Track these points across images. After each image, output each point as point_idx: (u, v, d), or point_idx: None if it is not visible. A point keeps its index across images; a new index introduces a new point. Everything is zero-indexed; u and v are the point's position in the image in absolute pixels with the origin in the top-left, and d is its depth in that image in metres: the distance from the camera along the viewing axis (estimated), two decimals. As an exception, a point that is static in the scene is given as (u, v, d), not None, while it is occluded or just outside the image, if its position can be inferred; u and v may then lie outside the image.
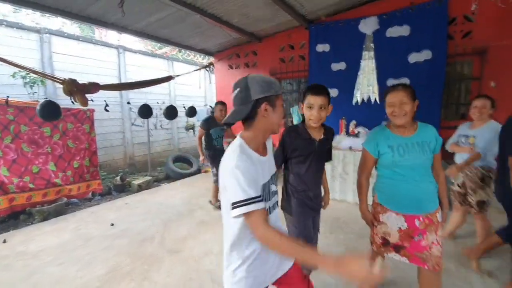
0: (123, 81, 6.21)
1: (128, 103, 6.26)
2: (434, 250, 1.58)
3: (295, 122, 5.54)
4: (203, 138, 3.98)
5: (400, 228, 1.64)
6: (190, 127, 7.82)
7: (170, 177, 6.17)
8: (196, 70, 4.74)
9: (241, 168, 1.00)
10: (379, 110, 3.76)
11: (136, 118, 6.61)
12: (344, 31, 4.66)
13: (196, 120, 8.15)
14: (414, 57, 4.15)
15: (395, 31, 4.25)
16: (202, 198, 4.53)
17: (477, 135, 2.54)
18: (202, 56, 8.07)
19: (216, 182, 3.94)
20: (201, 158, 4.04)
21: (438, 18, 3.93)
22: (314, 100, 1.69)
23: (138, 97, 6.38)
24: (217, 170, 3.88)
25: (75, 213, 4.02)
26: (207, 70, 4.94)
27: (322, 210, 2.00)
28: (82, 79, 3.43)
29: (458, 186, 2.68)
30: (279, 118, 1.15)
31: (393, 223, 1.66)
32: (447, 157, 3.31)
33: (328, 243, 2.89)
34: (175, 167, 6.33)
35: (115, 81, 6.13)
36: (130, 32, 4.65)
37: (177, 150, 7.71)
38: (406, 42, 4.18)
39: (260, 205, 0.99)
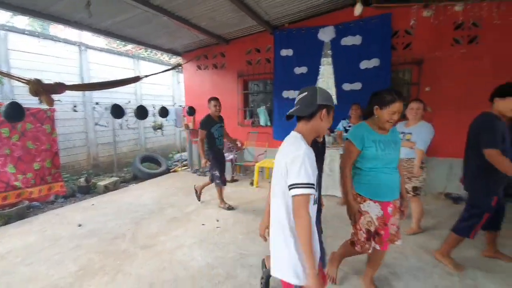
0: (85, 79, 6.02)
1: (97, 103, 6.09)
2: (391, 230, 1.92)
3: (261, 123, 5.86)
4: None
5: (377, 216, 1.88)
6: (158, 127, 7.76)
7: (138, 178, 6.12)
8: (165, 71, 4.79)
9: (309, 156, 1.23)
10: (337, 111, 4.20)
11: (100, 118, 6.44)
12: (305, 38, 5.06)
13: (165, 120, 8.13)
14: (364, 64, 4.66)
15: (349, 40, 4.73)
16: (172, 197, 4.63)
17: (413, 132, 3.01)
18: (169, 56, 8.03)
19: (220, 184, 3.91)
20: (203, 161, 3.82)
21: (383, 30, 4.48)
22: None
23: (103, 96, 6.22)
24: (220, 172, 3.84)
25: (38, 216, 3.89)
26: (176, 71, 4.99)
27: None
28: (41, 77, 3.35)
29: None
30: (328, 124, 1.38)
31: (373, 211, 1.88)
32: None
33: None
34: (142, 167, 6.29)
35: (76, 79, 5.92)
36: (94, 31, 4.59)
37: (144, 150, 7.61)
38: (358, 50, 4.68)
39: (312, 191, 1.21)
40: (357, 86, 4.75)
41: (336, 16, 4.82)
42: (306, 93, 1.37)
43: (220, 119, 3.97)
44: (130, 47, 7.60)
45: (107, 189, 5.13)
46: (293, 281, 1.28)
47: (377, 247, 1.89)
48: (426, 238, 3.00)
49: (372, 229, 1.89)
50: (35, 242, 3.08)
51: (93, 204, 4.34)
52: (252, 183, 5.23)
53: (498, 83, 4.09)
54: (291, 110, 1.38)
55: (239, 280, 2.33)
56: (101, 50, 6.59)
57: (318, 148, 1.87)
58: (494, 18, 3.88)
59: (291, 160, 1.23)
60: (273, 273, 1.36)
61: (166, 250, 2.84)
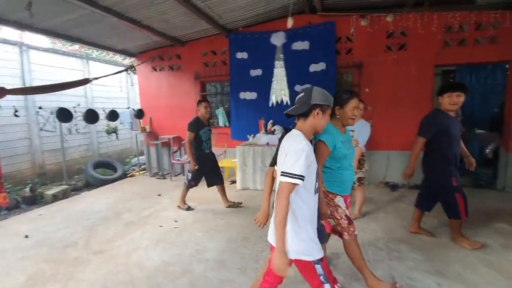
0: (27, 82, 5.58)
1: (40, 107, 5.67)
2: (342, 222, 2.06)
3: (220, 124, 5.98)
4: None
5: (343, 209, 2.06)
6: (112, 131, 7.44)
7: (91, 185, 5.83)
8: (116, 73, 4.65)
9: (306, 151, 1.35)
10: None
11: (45, 123, 6.00)
12: (259, 42, 5.30)
13: (119, 123, 7.81)
14: (313, 67, 5.04)
15: (298, 45, 5.08)
16: (129, 202, 4.53)
17: (355, 130, 3.37)
18: (123, 56, 7.74)
19: (187, 185, 3.92)
20: (192, 165, 3.77)
21: (329, 37, 4.89)
22: None
23: (49, 99, 5.81)
24: (195, 176, 3.80)
25: (-25, 231, 3.57)
26: (128, 73, 4.88)
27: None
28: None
29: None
30: (324, 123, 1.51)
31: (343, 204, 2.06)
32: None
33: (261, 232, 3.39)
34: (96, 173, 6.00)
35: (17, 81, 5.46)
36: (36, 31, 4.31)
37: (97, 156, 7.24)
38: (307, 54, 5.05)
39: (300, 183, 1.33)
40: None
41: (286, 23, 5.11)
42: (303, 93, 1.53)
43: (209, 122, 4.00)
44: (77, 46, 7.17)
45: (55, 198, 4.84)
46: (307, 258, 1.43)
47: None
48: (365, 221, 3.39)
49: (349, 215, 2.07)
50: (-28, 258, 2.85)
51: (40, 214, 4.08)
52: (212, 183, 5.32)
53: (422, 83, 4.72)
54: (288, 109, 1.54)
55: (196, 274, 2.44)
56: (45, 50, 6.15)
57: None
58: (418, 28, 4.50)
59: (291, 151, 1.37)
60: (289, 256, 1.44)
61: (122, 254, 2.83)
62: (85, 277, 2.46)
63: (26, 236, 3.30)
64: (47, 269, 2.60)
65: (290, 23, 4.26)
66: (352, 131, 3.39)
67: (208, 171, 4.00)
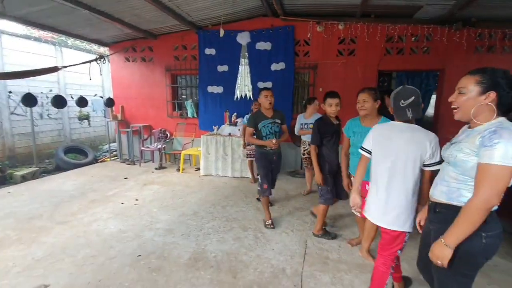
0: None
1: (10, 92, 5.80)
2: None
3: (189, 115, 6.35)
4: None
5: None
6: (85, 117, 7.61)
7: (62, 168, 6.06)
8: (85, 62, 4.89)
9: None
10: (252, 105, 4.99)
11: (16, 107, 6.14)
12: (226, 40, 5.67)
13: (92, 111, 7.99)
14: (274, 66, 5.52)
15: (261, 45, 5.53)
16: (97, 183, 4.84)
17: (313, 122, 3.88)
18: (98, 45, 7.87)
19: (263, 193, 3.17)
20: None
21: (288, 39, 5.38)
22: (332, 100, 2.64)
23: (20, 84, 5.95)
24: (263, 179, 3.06)
25: None
26: (97, 63, 5.15)
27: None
28: None
29: (306, 154, 4.08)
30: None
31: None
32: (296, 140, 4.76)
33: (212, 209, 3.85)
34: (67, 158, 6.23)
35: (-13, 65, 5.57)
36: (9, 19, 4.49)
37: (69, 141, 7.41)
38: (269, 54, 5.52)
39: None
40: (269, 84, 5.58)
41: (251, 24, 5.56)
42: (414, 97, 1.60)
43: (277, 114, 3.23)
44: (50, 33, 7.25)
45: (24, 179, 5.07)
46: (410, 230, 1.67)
47: (358, 213, 2.44)
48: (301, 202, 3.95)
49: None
50: None
51: (9, 192, 4.34)
52: (178, 169, 5.73)
53: (367, 85, 5.30)
54: (411, 115, 1.61)
55: (145, 239, 2.87)
56: (18, 35, 6.24)
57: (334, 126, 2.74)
58: (365, 36, 5.08)
59: (435, 143, 1.58)
60: (390, 227, 1.68)
61: (82, 224, 3.21)
62: (47, 240, 2.83)
63: (-6, 210, 3.59)
64: (12, 235, 2.94)
65: (221, 32, 4.54)
66: (312, 123, 3.89)
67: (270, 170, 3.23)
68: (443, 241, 1.20)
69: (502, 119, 1.18)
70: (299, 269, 2.39)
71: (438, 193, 1.35)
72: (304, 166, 4.41)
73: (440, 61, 4.92)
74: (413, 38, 4.98)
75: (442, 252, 1.20)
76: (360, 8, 4.59)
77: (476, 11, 4.35)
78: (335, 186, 2.79)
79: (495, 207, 1.16)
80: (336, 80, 5.33)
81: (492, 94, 1.16)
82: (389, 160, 1.67)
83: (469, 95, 1.22)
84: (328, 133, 2.72)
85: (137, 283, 2.18)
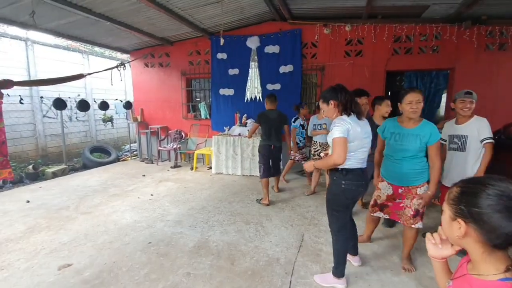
0: (32, 74, 6.33)
1: (42, 97, 6.44)
2: (406, 211, 2.23)
3: (202, 116, 6.68)
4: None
5: (387, 194, 2.32)
6: (108, 120, 8.20)
7: (88, 167, 6.60)
8: (107, 69, 5.35)
9: None
10: (261, 106, 5.21)
11: (48, 110, 6.77)
12: (237, 45, 5.96)
13: (115, 113, 8.56)
14: (282, 69, 5.70)
15: (270, 49, 5.73)
16: (117, 180, 5.27)
17: (326, 123, 4.02)
18: (119, 52, 8.44)
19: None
20: None
21: (296, 42, 5.54)
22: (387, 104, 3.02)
23: (51, 89, 6.56)
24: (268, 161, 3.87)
25: (-14, 197, 4.34)
26: (118, 69, 5.60)
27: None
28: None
29: (317, 156, 4.15)
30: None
31: (384, 189, 2.33)
32: (306, 141, 4.92)
33: (219, 204, 4.12)
34: (92, 157, 6.77)
35: (23, 74, 6.21)
36: (41, 30, 5.02)
37: (95, 142, 8.01)
38: (277, 57, 5.71)
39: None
40: (277, 86, 5.78)
41: (260, 28, 5.78)
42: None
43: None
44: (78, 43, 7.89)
45: (55, 175, 5.61)
46: None
47: (383, 215, 2.44)
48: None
49: (379, 201, 2.41)
50: (-14, 214, 3.61)
51: (41, 187, 4.85)
52: (192, 168, 6.05)
53: (374, 86, 5.37)
54: None
55: (156, 228, 3.17)
56: (49, 45, 6.88)
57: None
58: (372, 37, 5.14)
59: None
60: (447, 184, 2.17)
61: (103, 215, 3.58)
62: (72, 228, 3.21)
63: (28, 201, 4.06)
64: (43, 222, 3.35)
65: (221, 41, 4.68)
66: (325, 124, 4.05)
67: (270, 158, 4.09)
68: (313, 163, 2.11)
69: None
70: (293, 259, 2.56)
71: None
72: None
73: (450, 60, 4.87)
74: (421, 38, 4.97)
75: (310, 165, 2.14)
76: (366, 9, 4.67)
77: (486, 9, 4.29)
78: None
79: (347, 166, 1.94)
80: (344, 81, 5.29)
81: None
82: None
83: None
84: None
85: (146, 266, 2.46)
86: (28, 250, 2.74)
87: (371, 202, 2.48)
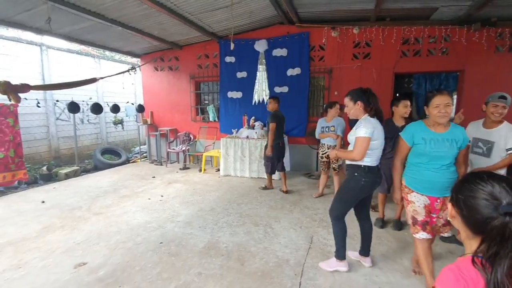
0: (46, 78, 6.52)
1: (57, 101, 6.64)
2: (438, 221, 2.05)
3: (211, 119, 6.76)
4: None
5: (425, 204, 2.00)
6: (119, 122, 8.36)
7: (99, 168, 6.73)
8: (119, 73, 5.48)
9: None
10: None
11: (61, 113, 6.95)
12: (245, 48, 6.03)
13: (125, 116, 8.73)
14: (290, 72, 5.74)
15: (278, 52, 5.79)
16: (128, 181, 5.38)
17: (334, 125, 4.03)
18: (130, 56, 8.61)
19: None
20: None
21: (303, 45, 5.58)
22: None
23: (64, 92, 6.73)
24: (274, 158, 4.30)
25: (3, 197, 4.48)
26: (129, 73, 5.72)
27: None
28: (2, 76, 3.97)
29: (325, 158, 4.17)
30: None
31: (419, 201, 2.01)
32: (313, 143, 4.94)
33: (227, 206, 4.17)
34: (103, 158, 6.91)
35: (38, 78, 6.41)
36: (55, 36, 5.18)
37: (106, 144, 8.17)
38: (285, 60, 5.75)
39: None
40: (285, 89, 5.82)
41: (268, 32, 5.84)
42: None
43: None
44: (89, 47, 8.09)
45: (67, 176, 5.75)
46: None
47: (427, 235, 2.02)
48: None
49: (419, 218, 2.03)
50: (1, 214, 3.74)
51: (54, 187, 4.98)
52: (200, 170, 6.12)
53: (382, 88, 5.35)
54: None
55: (167, 229, 3.23)
56: (62, 50, 7.08)
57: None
58: (380, 40, 5.14)
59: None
60: None
61: (115, 215, 3.66)
62: (85, 228, 3.29)
63: (43, 202, 4.18)
64: (57, 222, 3.45)
65: (232, 46, 4.62)
66: (333, 126, 4.05)
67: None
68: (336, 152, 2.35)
69: None
70: (302, 261, 2.58)
71: None
72: (321, 169, 4.37)
73: (460, 62, 4.83)
74: (430, 40, 4.94)
75: (333, 153, 2.36)
76: (374, 12, 4.68)
77: (496, 11, 4.25)
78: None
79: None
80: (351, 84, 5.33)
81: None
82: None
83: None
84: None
85: (158, 265, 2.51)
86: (43, 249, 2.83)
87: (410, 221, 2.11)
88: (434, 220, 2.05)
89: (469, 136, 2.37)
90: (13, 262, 2.59)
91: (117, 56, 8.85)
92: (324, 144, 4.21)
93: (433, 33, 4.88)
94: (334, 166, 4.14)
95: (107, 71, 7.79)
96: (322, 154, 4.25)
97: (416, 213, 2.04)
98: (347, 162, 2.34)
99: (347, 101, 2.30)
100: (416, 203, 2.03)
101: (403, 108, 3.08)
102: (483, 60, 4.63)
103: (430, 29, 4.85)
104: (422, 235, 2.03)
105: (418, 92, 5.57)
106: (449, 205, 0.86)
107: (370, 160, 2.15)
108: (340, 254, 2.37)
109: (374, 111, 2.20)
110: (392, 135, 2.96)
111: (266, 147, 4.52)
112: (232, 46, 4.52)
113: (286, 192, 4.52)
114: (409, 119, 3.09)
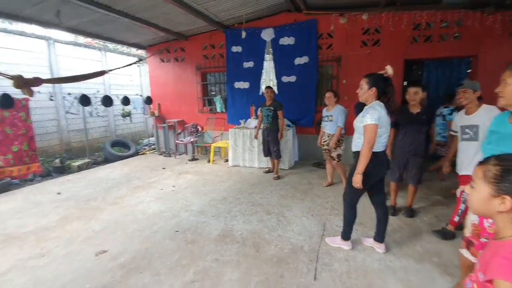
0: (54, 72, 6.56)
1: (69, 94, 6.72)
2: None
3: (218, 110, 6.76)
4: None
5: (473, 222, 1.66)
6: (127, 114, 8.42)
7: (109, 160, 6.83)
8: (127, 65, 5.49)
9: None
10: (277, 97, 5.20)
11: (70, 107, 7.02)
12: (251, 37, 5.95)
13: (133, 108, 8.78)
14: (298, 60, 5.68)
15: (285, 40, 5.71)
16: (139, 172, 5.46)
17: (333, 115, 4.01)
18: (136, 48, 8.59)
19: None
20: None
21: (311, 33, 5.50)
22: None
23: (72, 86, 6.78)
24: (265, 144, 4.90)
25: (19, 189, 4.60)
26: (137, 65, 5.73)
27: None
28: (11, 71, 4.02)
29: (325, 146, 4.16)
30: None
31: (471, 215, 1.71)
32: (317, 132, 4.91)
33: (239, 195, 4.22)
34: (113, 151, 7.00)
35: (46, 71, 6.45)
36: (62, 29, 5.19)
37: (114, 136, 8.26)
38: (293, 49, 5.68)
39: None
40: (293, 78, 5.77)
41: (275, 20, 5.76)
42: None
43: (273, 103, 4.76)
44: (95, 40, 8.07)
45: (80, 168, 5.86)
46: None
47: (470, 256, 1.63)
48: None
49: (466, 233, 1.75)
50: (20, 206, 3.85)
51: (68, 179, 5.09)
52: (209, 161, 6.18)
53: (393, 76, 5.21)
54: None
55: (181, 218, 3.30)
56: (69, 43, 7.09)
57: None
58: (390, 26, 5.03)
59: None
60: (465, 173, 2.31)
61: (130, 205, 3.74)
62: (102, 217, 3.38)
63: (59, 193, 4.29)
64: (74, 212, 3.55)
65: (243, 34, 4.70)
66: (332, 115, 4.03)
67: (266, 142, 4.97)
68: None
69: None
70: (316, 247, 2.63)
71: None
72: (324, 158, 4.39)
73: (473, 47, 4.72)
74: (442, 25, 4.83)
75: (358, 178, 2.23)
76: (383, -3, 4.57)
77: (511, -7, 4.12)
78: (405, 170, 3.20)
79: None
80: (361, 71, 5.27)
81: None
82: None
83: None
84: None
85: (176, 252, 2.59)
86: (64, 238, 2.92)
87: (466, 236, 1.72)
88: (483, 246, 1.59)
89: (456, 126, 2.59)
90: (36, 251, 2.69)
91: (123, 48, 8.83)
92: (325, 132, 4.17)
93: (445, 17, 4.75)
94: (333, 155, 4.09)
95: (113, 63, 7.81)
96: (324, 142, 4.19)
97: (475, 227, 1.72)
98: (353, 149, 2.42)
99: (363, 83, 2.31)
100: (470, 216, 1.76)
101: (408, 96, 3.12)
102: (497, 45, 4.51)
103: (442, 14, 4.72)
104: (465, 253, 1.67)
105: (429, 78, 5.48)
106: (498, 200, 0.81)
107: (376, 146, 2.21)
108: (346, 235, 2.57)
109: (387, 101, 2.26)
110: (405, 122, 2.96)
111: (271, 133, 4.77)
112: (243, 34, 4.50)
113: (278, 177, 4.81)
114: (424, 106, 3.11)
